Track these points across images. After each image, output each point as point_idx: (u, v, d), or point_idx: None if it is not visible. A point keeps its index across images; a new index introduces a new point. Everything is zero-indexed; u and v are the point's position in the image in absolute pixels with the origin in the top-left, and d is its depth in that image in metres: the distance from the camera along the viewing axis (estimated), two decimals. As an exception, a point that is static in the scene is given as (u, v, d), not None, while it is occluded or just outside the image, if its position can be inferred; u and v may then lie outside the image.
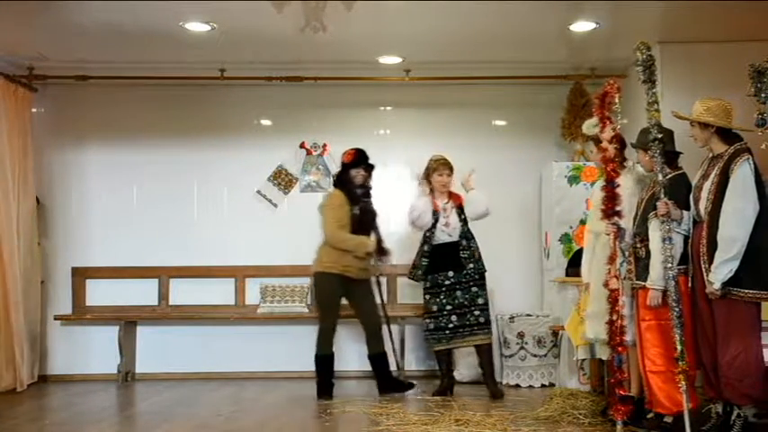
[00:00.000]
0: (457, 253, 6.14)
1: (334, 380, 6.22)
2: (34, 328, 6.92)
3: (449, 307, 6.13)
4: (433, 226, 6.19)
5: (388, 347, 6.38)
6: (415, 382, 6.44)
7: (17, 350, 6.59)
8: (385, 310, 6.47)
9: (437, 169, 6.21)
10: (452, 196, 6.26)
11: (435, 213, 6.20)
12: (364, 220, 6.21)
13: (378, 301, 6.40)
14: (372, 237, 6.23)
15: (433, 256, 6.19)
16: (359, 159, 6.24)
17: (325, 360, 6.16)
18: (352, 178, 6.20)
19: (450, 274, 6.15)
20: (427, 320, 6.23)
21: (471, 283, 6.14)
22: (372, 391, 6.27)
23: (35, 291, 6.95)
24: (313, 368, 6.20)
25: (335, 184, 6.40)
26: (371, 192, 6.33)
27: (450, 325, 6.12)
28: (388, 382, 6.27)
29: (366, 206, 6.23)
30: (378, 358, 6.26)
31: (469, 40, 6.24)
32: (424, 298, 6.26)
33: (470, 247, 6.18)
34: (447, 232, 6.17)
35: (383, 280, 6.77)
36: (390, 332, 6.48)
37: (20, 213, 6.73)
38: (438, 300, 6.16)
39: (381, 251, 6.33)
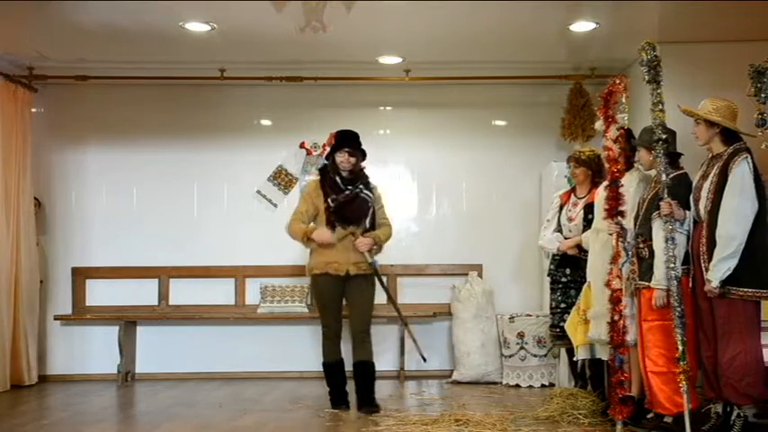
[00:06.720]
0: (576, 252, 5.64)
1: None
2: (35, 328, 6.91)
3: (563, 305, 5.77)
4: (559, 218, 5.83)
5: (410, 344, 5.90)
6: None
7: (17, 350, 6.61)
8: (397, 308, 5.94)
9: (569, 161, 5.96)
10: (592, 192, 5.64)
11: (563, 206, 5.82)
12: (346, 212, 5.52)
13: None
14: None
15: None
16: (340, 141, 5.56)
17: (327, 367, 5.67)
18: (338, 164, 5.53)
19: (568, 271, 5.75)
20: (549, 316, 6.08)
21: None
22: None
23: (35, 291, 6.94)
24: (313, 368, 6.17)
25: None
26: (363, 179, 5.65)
27: (562, 324, 5.66)
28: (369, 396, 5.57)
29: (350, 196, 5.52)
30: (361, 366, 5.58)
31: (469, 40, 6.24)
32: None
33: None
34: (569, 227, 5.71)
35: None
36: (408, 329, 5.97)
37: (19, 213, 6.73)
38: (554, 296, 5.86)
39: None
